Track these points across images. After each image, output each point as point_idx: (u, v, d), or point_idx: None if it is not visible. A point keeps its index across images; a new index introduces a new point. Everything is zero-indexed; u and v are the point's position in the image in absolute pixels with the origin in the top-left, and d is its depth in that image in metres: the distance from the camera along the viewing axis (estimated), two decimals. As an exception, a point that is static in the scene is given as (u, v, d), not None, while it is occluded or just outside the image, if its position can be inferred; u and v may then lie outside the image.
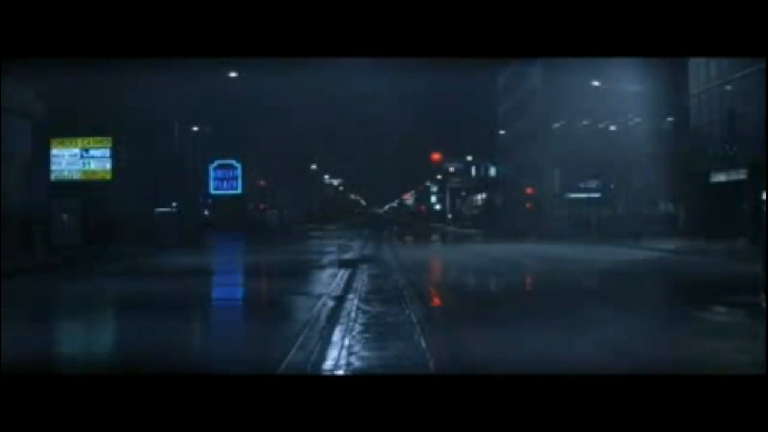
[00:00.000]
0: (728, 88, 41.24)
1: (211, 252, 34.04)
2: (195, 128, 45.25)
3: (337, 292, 15.53)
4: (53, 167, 28.56)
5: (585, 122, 63.34)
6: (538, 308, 14.45)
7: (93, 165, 28.80)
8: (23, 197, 22.82)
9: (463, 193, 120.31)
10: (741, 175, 38.87)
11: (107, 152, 29.04)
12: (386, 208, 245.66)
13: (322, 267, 23.78)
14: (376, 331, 10.44)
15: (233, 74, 47.11)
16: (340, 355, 8.67)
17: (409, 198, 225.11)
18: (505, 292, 18.35)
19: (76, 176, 28.70)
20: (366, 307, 12.87)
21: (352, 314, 11.98)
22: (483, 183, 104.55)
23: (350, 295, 14.72)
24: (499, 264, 26.51)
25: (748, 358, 8.58)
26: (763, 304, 14.21)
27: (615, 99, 50.25)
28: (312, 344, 9.37)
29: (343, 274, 19.84)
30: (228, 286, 20.43)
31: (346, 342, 9.49)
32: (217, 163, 56.68)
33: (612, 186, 56.50)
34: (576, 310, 13.70)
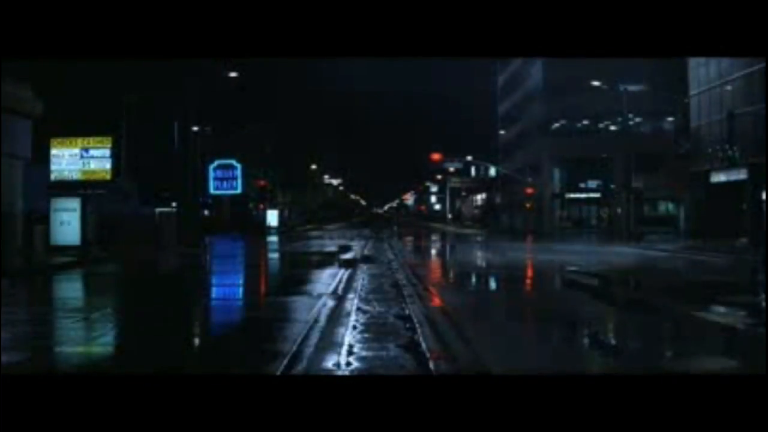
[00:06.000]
0: (728, 88, 41.24)
1: (211, 252, 34.03)
2: (195, 128, 45.26)
3: (338, 292, 15.53)
4: (53, 167, 28.49)
5: (585, 122, 63.33)
6: (537, 307, 14.45)
7: (93, 165, 28.73)
8: (23, 197, 22.75)
9: (463, 193, 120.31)
10: (741, 175, 38.88)
11: (107, 152, 28.94)
12: (386, 208, 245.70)
13: (322, 266, 23.78)
14: (376, 331, 10.43)
15: (233, 74, 47.12)
16: (339, 355, 8.67)
17: (409, 198, 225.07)
18: (510, 291, 18.33)
19: (76, 176, 28.62)
20: (366, 307, 12.87)
21: (352, 315, 11.97)
22: (483, 183, 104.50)
23: (350, 295, 14.72)
24: (501, 262, 26.49)
25: None
26: (764, 304, 14.23)
27: (615, 99, 50.22)
28: (312, 344, 9.37)
29: (343, 273, 19.84)
30: (227, 287, 20.44)
31: (346, 342, 9.49)
32: (217, 163, 56.59)
33: (612, 186, 56.52)
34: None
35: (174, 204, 41.82)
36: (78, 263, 23.58)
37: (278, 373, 7.72)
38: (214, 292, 19.02)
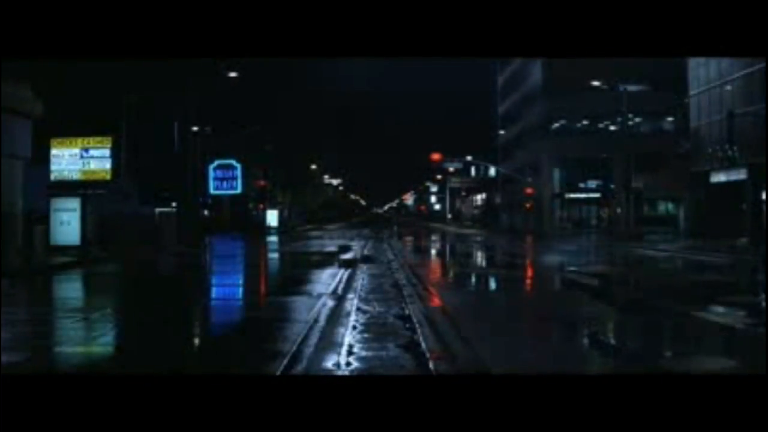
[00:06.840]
0: (728, 88, 41.24)
1: (211, 252, 34.03)
2: (195, 128, 45.26)
3: (337, 292, 15.52)
4: (53, 167, 28.49)
5: (585, 122, 63.31)
6: (537, 307, 14.45)
7: (93, 165, 28.73)
8: (23, 197, 22.75)
9: (463, 193, 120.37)
10: (741, 175, 38.89)
11: (107, 152, 28.94)
12: (386, 208, 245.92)
13: (322, 266, 23.76)
14: (375, 331, 10.43)
15: (233, 74, 47.10)
16: (339, 355, 8.67)
17: (408, 198, 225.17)
18: (510, 291, 18.32)
19: (76, 176, 28.62)
20: (366, 307, 12.86)
21: (352, 315, 11.97)
22: (483, 183, 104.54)
23: (350, 295, 14.71)
24: (500, 262, 26.53)
25: None
26: (764, 304, 14.23)
27: (615, 99, 50.24)
28: (311, 344, 9.36)
29: (343, 273, 19.83)
30: (227, 287, 20.43)
31: (346, 341, 9.49)
32: (216, 163, 56.58)
33: (612, 186, 56.52)
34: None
35: (174, 204, 41.81)
36: (78, 263, 23.58)
37: (278, 373, 7.72)
38: (214, 292, 19.01)
